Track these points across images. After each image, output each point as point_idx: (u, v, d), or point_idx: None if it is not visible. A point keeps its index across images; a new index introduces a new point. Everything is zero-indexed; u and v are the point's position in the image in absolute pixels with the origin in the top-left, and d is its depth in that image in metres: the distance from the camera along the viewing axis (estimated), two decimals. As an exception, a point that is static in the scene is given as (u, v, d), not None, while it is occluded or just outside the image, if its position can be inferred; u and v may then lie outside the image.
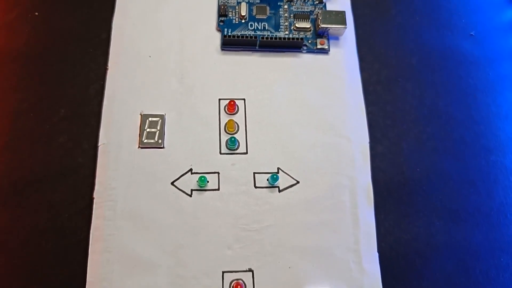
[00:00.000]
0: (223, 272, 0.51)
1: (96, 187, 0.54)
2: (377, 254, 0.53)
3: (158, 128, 0.56)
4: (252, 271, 0.51)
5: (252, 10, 0.62)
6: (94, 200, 0.53)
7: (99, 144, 0.56)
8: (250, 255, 0.52)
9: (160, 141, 0.55)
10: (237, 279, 0.51)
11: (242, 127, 0.56)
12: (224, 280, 0.51)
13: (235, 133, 0.56)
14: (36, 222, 0.54)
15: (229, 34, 0.60)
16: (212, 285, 0.51)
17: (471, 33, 0.67)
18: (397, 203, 0.57)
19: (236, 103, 0.56)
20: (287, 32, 0.61)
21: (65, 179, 0.56)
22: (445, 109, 0.62)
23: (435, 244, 0.56)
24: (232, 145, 0.55)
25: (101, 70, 0.60)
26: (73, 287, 0.51)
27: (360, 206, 0.54)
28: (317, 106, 0.58)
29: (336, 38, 0.62)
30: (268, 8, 0.63)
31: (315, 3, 0.64)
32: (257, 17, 0.62)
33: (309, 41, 0.62)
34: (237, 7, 0.62)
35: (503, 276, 0.55)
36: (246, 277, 0.51)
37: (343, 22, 0.60)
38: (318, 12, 0.62)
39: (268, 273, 0.51)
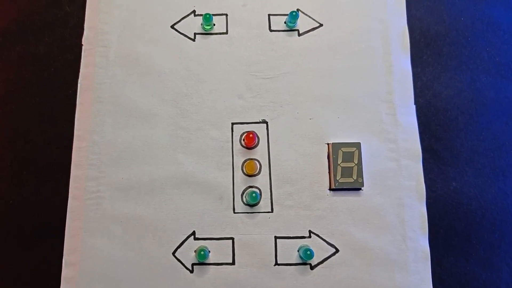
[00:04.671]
0: (232, 124, 0.41)
1: (85, 32, 0.44)
2: (414, 106, 0.43)
3: (154, -35, 0.45)
4: (267, 123, 0.41)
5: None
6: (83, 47, 0.44)
7: (88, -14, 0.45)
8: (264, 105, 0.42)
9: (156, -21, 0.44)
10: (249, 131, 0.41)
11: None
12: (233, 132, 0.41)
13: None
14: (21, 76, 0.45)
15: None
16: (220, 137, 0.41)
17: None
18: (437, 55, 0.46)
19: None
20: None
21: (52, 30, 0.46)
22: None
23: (481, 101, 0.45)
24: (243, -16, 0.44)
25: None
26: (61, 145, 0.42)
27: (394, 52, 0.43)
28: None
29: None
30: None
31: None
32: None
33: None
34: None
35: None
36: (259, 129, 0.41)
37: None
38: None
39: (285, 125, 0.41)
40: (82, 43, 0.44)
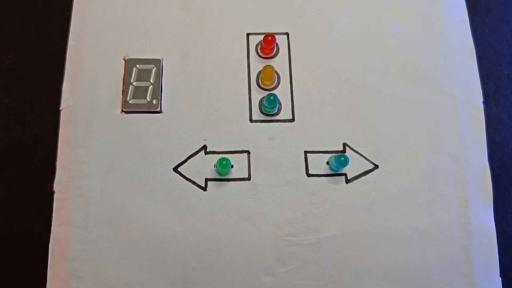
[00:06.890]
0: (259, 312, 0.30)
1: (58, 174, 0.32)
2: (499, 279, 0.32)
3: (152, 80, 0.33)
4: (306, 311, 0.30)
5: None
6: (55, 196, 0.32)
7: (62, 107, 0.33)
8: (302, 283, 0.31)
9: (155, 101, 0.32)
10: (282, 325, 0.30)
11: (285, 78, 0.33)
12: (261, 326, 0.30)
13: (275, 87, 0.32)
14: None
15: None
16: (242, 333, 0.29)
17: None
18: (523, 196, 0.34)
19: (276, 39, 0.33)
20: None
21: (15, 162, 0.34)
22: None
23: None
24: (269, 107, 0.32)
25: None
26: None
27: (472, 202, 0.33)
28: (402, 44, 0.35)
29: None
30: None
31: None
32: None
33: None
34: None
35: None
36: (296, 320, 0.30)
37: None
38: None
39: (331, 314, 0.30)
40: (54, 189, 0.32)
